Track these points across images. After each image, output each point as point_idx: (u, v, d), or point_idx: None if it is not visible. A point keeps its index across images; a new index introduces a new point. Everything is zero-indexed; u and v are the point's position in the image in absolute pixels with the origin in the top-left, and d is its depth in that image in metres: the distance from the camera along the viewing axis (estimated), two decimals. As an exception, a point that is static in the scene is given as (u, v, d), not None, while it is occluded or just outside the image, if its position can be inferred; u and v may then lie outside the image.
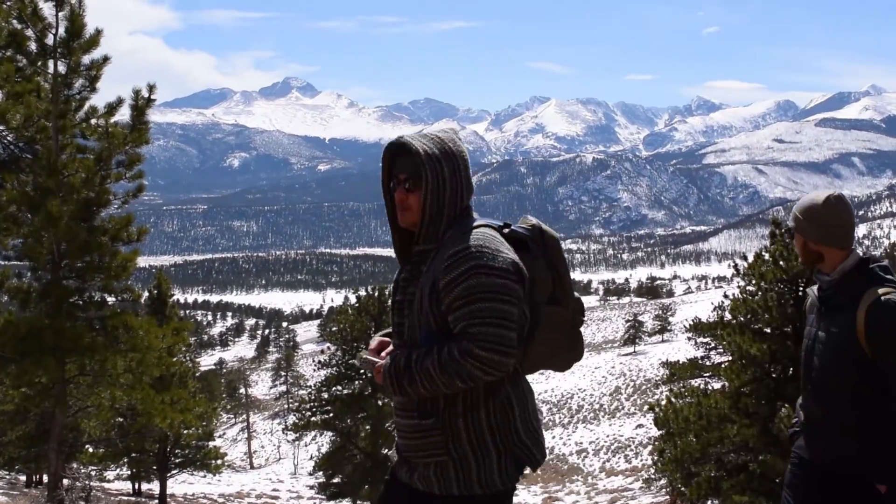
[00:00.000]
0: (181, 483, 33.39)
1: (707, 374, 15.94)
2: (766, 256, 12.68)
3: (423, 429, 2.76)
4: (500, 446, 2.77)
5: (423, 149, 2.79)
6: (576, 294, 3.04)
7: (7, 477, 23.60)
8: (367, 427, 24.06)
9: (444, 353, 2.62)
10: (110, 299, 11.43)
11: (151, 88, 10.47)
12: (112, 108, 10.47)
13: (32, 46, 9.85)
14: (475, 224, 2.79)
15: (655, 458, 17.56)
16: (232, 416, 70.32)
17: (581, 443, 47.47)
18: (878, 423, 3.51)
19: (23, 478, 23.64)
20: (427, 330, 2.74)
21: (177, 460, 25.45)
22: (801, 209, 3.79)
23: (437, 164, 2.79)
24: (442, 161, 2.81)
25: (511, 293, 2.64)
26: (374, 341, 3.02)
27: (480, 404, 2.74)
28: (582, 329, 3.05)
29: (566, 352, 3.00)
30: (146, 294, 22.92)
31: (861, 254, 3.76)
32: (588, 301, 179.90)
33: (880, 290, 3.55)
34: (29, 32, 9.73)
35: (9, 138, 10.05)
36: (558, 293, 2.95)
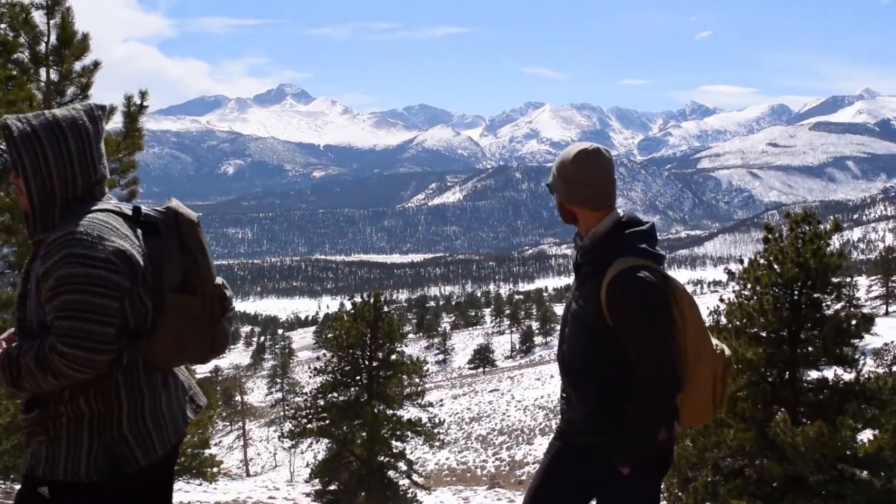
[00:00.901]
0: (177, 491, 33.29)
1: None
2: (761, 261, 12.71)
3: (27, 413, 2.63)
4: (95, 438, 2.58)
5: (17, 129, 2.57)
6: (220, 281, 2.80)
7: (3, 486, 23.53)
8: (363, 434, 24.01)
9: (41, 348, 2.46)
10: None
11: (144, 95, 10.45)
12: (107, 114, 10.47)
13: (24, 55, 9.85)
14: (93, 209, 2.59)
15: (652, 463, 17.55)
16: (228, 423, 70.24)
17: (578, 448, 47.37)
18: (619, 402, 3.27)
19: (18, 487, 23.59)
20: (39, 323, 2.57)
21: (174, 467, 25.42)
22: (556, 165, 3.50)
23: (34, 144, 2.57)
24: (43, 140, 2.58)
25: (107, 284, 2.45)
26: (6, 333, 2.86)
27: (82, 393, 2.55)
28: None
29: (200, 344, 2.76)
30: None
31: (620, 215, 3.43)
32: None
33: (627, 262, 3.26)
34: (20, 40, 9.72)
35: (2, 146, 10.04)
36: (193, 280, 2.73)
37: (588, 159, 3.36)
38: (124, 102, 10.43)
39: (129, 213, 2.68)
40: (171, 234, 2.72)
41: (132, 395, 2.63)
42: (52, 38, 9.91)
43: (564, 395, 3.59)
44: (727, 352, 3.47)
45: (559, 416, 3.68)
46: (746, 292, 12.95)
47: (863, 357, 12.67)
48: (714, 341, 3.42)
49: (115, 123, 10.55)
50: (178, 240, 2.71)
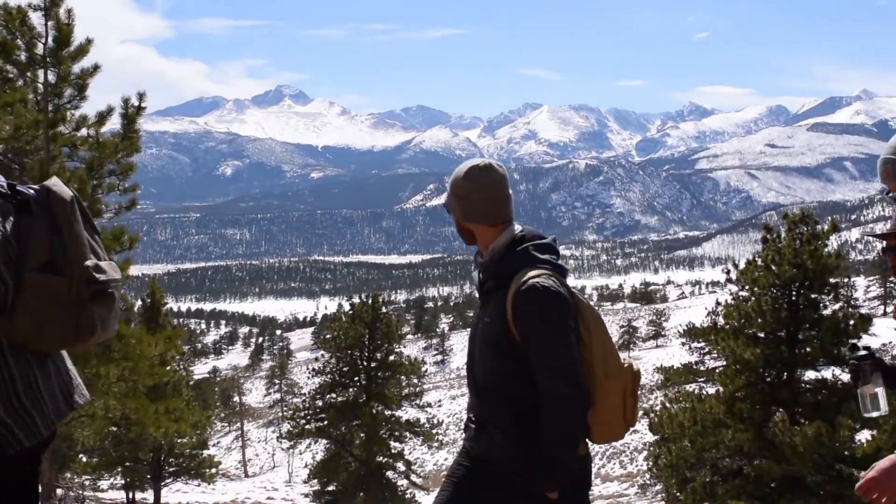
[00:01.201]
0: (175, 492, 33.30)
1: (701, 379, 15.95)
2: (759, 262, 12.71)
3: None
4: None
5: None
6: (91, 263, 2.66)
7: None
8: (362, 434, 24.01)
9: None
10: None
11: (141, 97, 10.44)
12: (103, 116, 10.46)
13: (21, 56, 9.83)
14: None
15: (650, 463, 17.56)
16: (226, 424, 70.14)
17: (576, 449, 47.34)
18: (535, 425, 3.17)
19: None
20: None
21: (171, 469, 25.39)
22: (450, 183, 3.44)
23: None
24: None
25: None
26: None
27: None
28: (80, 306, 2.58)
29: (60, 327, 2.60)
30: (139, 303, 22.90)
31: (518, 229, 3.37)
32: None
33: (530, 273, 3.19)
34: (18, 42, 9.70)
35: (-1, 148, 10.03)
36: (60, 261, 2.60)
37: (480, 175, 3.33)
38: (122, 104, 10.42)
39: (5, 190, 2.58)
40: (43, 213, 2.60)
41: (1, 375, 2.51)
42: (50, 40, 9.89)
43: (473, 417, 3.46)
44: (635, 366, 3.41)
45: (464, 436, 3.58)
46: (744, 293, 12.96)
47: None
48: (622, 355, 3.37)
49: (114, 125, 10.53)
50: (50, 219, 2.59)
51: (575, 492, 3.28)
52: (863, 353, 3.05)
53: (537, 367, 3.13)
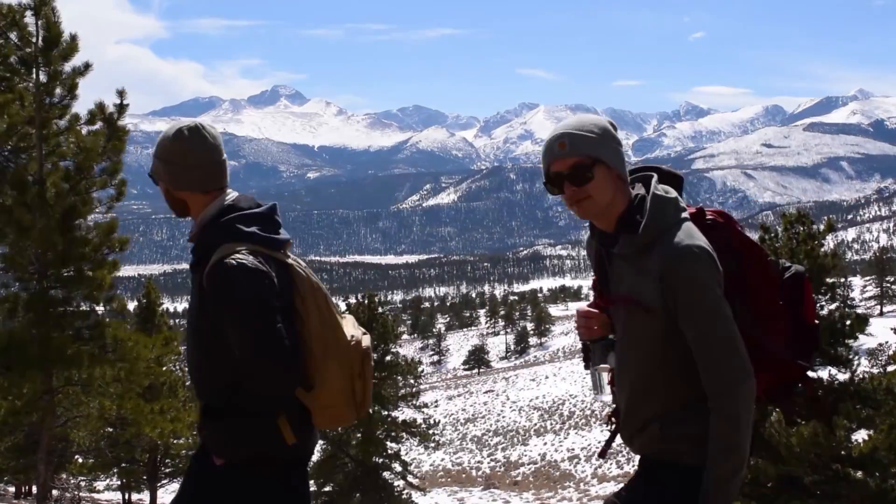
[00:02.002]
0: (171, 493, 33.21)
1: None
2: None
3: None
4: None
5: None
6: None
7: (-2, 487, 23.48)
8: (358, 435, 24.01)
9: None
10: (99, 309, 11.38)
11: (122, 94, 10.43)
12: (94, 115, 10.45)
13: (13, 56, 9.81)
14: None
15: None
16: (222, 425, 70.22)
17: (573, 449, 47.44)
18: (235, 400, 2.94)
19: (12, 489, 23.54)
20: None
21: (167, 470, 25.36)
22: (157, 147, 3.09)
23: None
24: None
25: None
26: None
27: None
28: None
29: None
30: (135, 303, 22.86)
31: (231, 198, 3.11)
32: (579, 307, 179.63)
33: (229, 247, 2.93)
34: (9, 41, 9.68)
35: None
36: None
37: (191, 137, 3.04)
38: (99, 107, 10.42)
39: None
40: None
41: None
42: (40, 40, 9.87)
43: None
44: (366, 342, 3.12)
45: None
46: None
47: (857, 357, 12.67)
48: (352, 331, 3.10)
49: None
50: None
51: (247, 474, 2.99)
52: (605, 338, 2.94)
53: (237, 351, 2.87)
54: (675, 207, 2.72)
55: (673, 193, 2.77)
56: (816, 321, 2.95)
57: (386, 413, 24.43)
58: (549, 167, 2.71)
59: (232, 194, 3.15)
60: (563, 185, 2.67)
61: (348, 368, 3.03)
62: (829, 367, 12.51)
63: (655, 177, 2.81)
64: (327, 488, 24.45)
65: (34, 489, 18.96)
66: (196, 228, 3.11)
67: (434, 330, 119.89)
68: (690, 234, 2.63)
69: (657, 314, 2.63)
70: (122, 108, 10.50)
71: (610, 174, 2.67)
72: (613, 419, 3.05)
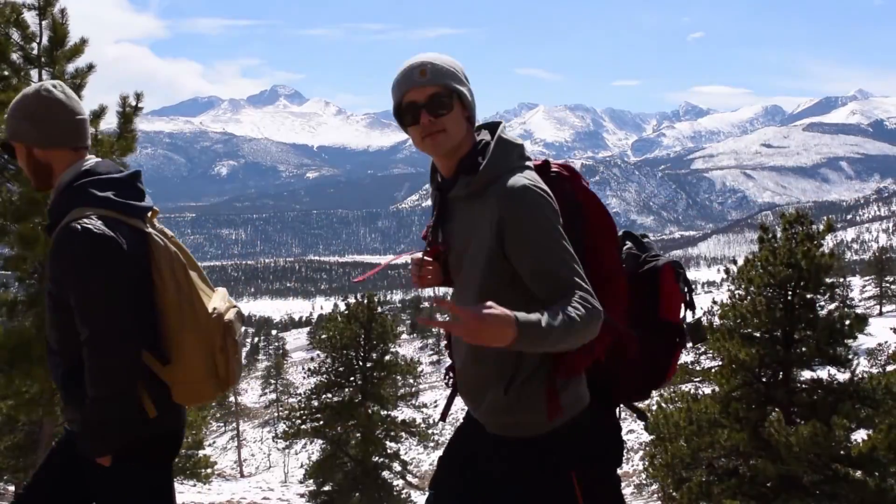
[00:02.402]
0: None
1: (697, 379, 15.97)
2: (756, 261, 12.73)
3: None
4: None
5: None
6: None
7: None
8: (358, 435, 24.01)
9: None
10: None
11: (139, 96, 10.40)
12: (97, 115, 10.44)
13: (15, 56, 9.82)
14: None
15: (646, 463, 17.58)
16: (222, 424, 70.04)
17: (572, 448, 47.40)
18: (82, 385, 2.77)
19: (12, 488, 23.51)
20: None
21: (166, 470, 25.35)
22: (13, 110, 2.92)
23: None
24: None
25: None
26: None
27: None
28: None
29: None
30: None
31: (91, 162, 2.95)
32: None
33: (80, 212, 2.79)
34: (13, 41, 9.69)
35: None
36: None
37: (57, 91, 2.93)
38: (119, 103, 10.38)
39: None
40: None
41: None
42: (44, 40, 9.87)
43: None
44: (229, 315, 2.99)
45: None
46: (740, 293, 12.97)
47: (856, 357, 12.69)
48: (214, 304, 2.98)
49: (109, 124, 10.50)
50: None
51: (135, 461, 2.88)
52: None
53: (77, 320, 2.75)
54: (519, 155, 2.62)
55: (520, 142, 2.66)
56: (683, 320, 2.82)
57: (385, 413, 24.43)
58: (403, 96, 2.58)
59: (91, 159, 2.99)
60: (420, 115, 2.53)
61: (208, 342, 2.91)
62: (829, 367, 12.54)
63: (504, 124, 2.73)
64: (326, 487, 24.44)
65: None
66: (55, 194, 2.93)
67: (433, 330, 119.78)
68: (528, 177, 2.52)
69: (494, 257, 2.48)
70: (136, 110, 10.48)
71: (463, 113, 2.59)
72: (451, 374, 2.86)
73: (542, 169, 2.69)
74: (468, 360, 2.69)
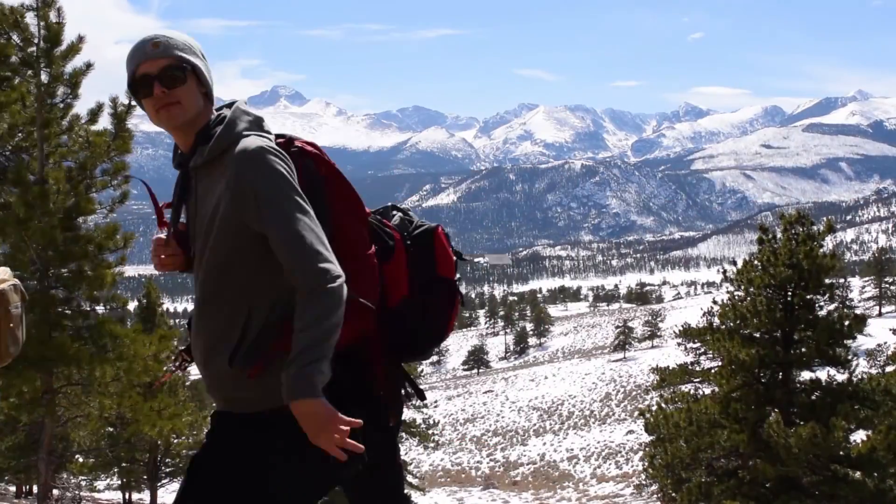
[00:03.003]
0: (172, 493, 33.22)
1: (697, 380, 15.98)
2: (755, 262, 12.74)
3: None
4: None
5: None
6: None
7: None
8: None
9: None
10: (99, 308, 11.40)
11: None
12: (94, 115, 10.46)
13: (15, 57, 9.84)
14: None
15: (646, 463, 17.58)
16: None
17: (572, 449, 47.46)
18: None
19: (12, 488, 23.53)
20: None
21: (167, 470, 25.37)
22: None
23: None
24: None
25: None
26: None
27: None
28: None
29: None
30: (135, 304, 22.87)
31: None
32: (578, 307, 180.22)
33: None
34: (11, 42, 9.71)
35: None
36: None
37: None
38: (110, 104, 10.41)
39: None
40: None
41: None
42: (42, 40, 9.90)
43: None
44: (3, 286, 2.74)
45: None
46: (740, 293, 12.98)
47: (856, 358, 12.70)
48: None
49: (108, 125, 10.54)
50: None
51: None
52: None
53: None
54: (257, 124, 2.55)
55: (259, 114, 2.57)
56: (452, 276, 2.85)
57: (385, 413, 24.49)
58: (136, 69, 2.50)
59: None
60: (153, 87, 2.46)
61: None
62: (828, 368, 12.56)
63: (244, 99, 2.65)
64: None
65: (35, 489, 18.97)
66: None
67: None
68: (263, 140, 2.44)
69: (233, 226, 2.41)
70: (129, 108, 10.50)
71: (200, 88, 2.53)
72: (185, 357, 2.77)
73: (285, 145, 2.58)
74: (196, 333, 2.65)
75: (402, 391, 2.91)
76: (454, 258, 2.91)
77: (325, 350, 2.26)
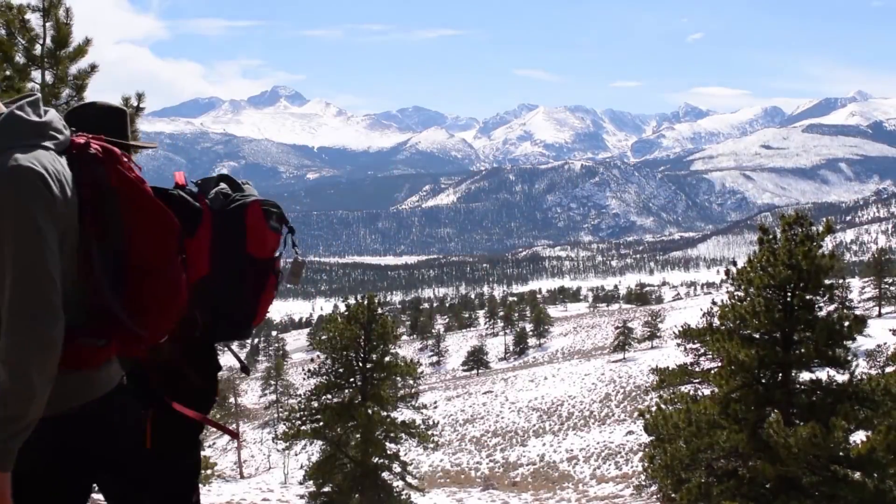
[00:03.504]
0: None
1: (696, 380, 15.99)
2: (755, 262, 12.74)
3: None
4: None
5: None
6: None
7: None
8: (357, 436, 24.00)
9: None
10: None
11: (140, 97, 10.41)
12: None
13: (19, 57, 9.83)
14: None
15: (646, 464, 17.59)
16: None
17: (571, 450, 47.45)
18: None
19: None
20: None
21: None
22: None
23: None
24: None
25: None
26: None
27: None
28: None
29: None
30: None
31: None
32: (578, 308, 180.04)
33: None
34: (16, 42, 9.70)
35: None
36: None
37: None
38: (121, 104, 10.39)
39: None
40: None
41: None
42: (48, 41, 9.88)
43: None
44: None
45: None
46: (740, 294, 12.99)
47: (855, 358, 12.71)
48: None
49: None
50: None
51: None
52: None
53: None
54: (33, 132, 2.17)
55: (43, 119, 2.22)
56: (279, 258, 2.79)
57: (385, 414, 24.43)
58: None
59: None
60: None
61: None
62: (828, 369, 12.56)
63: (31, 100, 2.24)
64: (326, 489, 24.44)
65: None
66: None
67: (433, 331, 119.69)
68: (25, 158, 2.07)
69: None
70: (138, 110, 10.49)
71: None
72: None
73: (82, 149, 2.28)
74: None
75: (205, 371, 2.85)
76: (276, 237, 2.76)
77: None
